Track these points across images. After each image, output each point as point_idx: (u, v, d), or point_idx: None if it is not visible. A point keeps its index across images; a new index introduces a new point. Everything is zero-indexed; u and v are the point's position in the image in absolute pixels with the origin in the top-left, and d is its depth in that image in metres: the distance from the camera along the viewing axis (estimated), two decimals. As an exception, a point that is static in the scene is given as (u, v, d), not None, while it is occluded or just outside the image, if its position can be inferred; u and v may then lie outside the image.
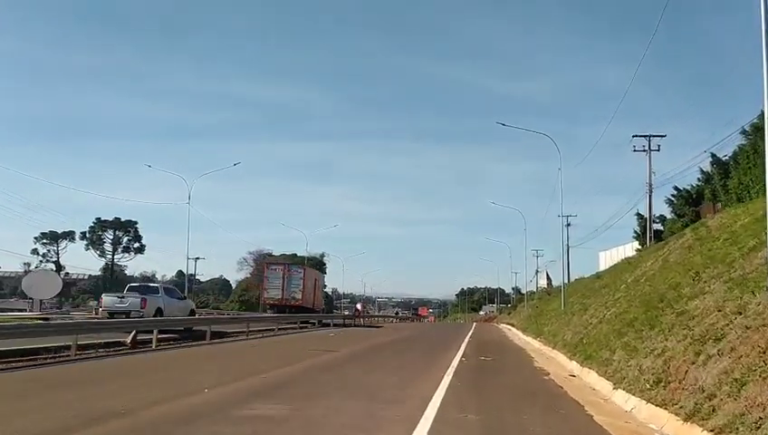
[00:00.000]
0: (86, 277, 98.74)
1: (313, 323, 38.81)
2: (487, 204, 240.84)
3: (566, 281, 61.20)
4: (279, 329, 27.62)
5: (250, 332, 24.04)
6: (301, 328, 32.55)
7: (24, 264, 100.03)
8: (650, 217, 38.72)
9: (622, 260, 31.80)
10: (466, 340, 26.64)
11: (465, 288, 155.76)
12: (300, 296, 40.74)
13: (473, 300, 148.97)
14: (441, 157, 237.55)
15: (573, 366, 16.25)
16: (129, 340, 16.01)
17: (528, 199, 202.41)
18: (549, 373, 14.07)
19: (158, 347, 16.40)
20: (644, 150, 39.49)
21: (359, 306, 42.98)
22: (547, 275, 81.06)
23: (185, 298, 28.90)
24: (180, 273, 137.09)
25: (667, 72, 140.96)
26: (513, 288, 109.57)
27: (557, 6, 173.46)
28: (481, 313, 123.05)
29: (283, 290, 40.52)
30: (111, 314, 23.33)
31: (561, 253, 65.97)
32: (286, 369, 12.58)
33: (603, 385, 12.24)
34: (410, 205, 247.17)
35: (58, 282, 48.06)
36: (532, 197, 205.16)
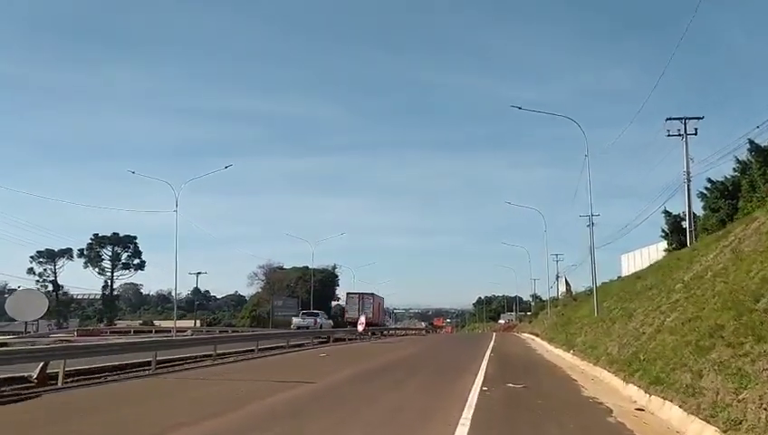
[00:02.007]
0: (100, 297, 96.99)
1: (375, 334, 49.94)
2: (501, 213, 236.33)
3: (594, 284, 57.10)
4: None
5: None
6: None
7: (43, 285, 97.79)
8: (690, 208, 34.29)
9: (667, 256, 27.50)
10: (487, 355, 22.40)
11: (483, 297, 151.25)
12: (371, 316, 57.23)
13: (491, 309, 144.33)
14: (453, 166, 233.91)
15: (633, 392, 12.14)
16: (35, 374, 12.06)
17: (543, 206, 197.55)
18: (610, 409, 9.91)
19: (67, 384, 12.16)
20: (679, 135, 35.06)
21: (362, 319, 38.85)
22: (566, 280, 76.74)
23: (329, 318, 54.57)
24: (196, 290, 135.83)
25: (681, 71, 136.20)
26: (531, 295, 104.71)
27: (564, 11, 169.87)
28: (501, 321, 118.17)
29: (359, 311, 55.78)
30: (299, 328, 42.92)
31: (583, 255, 61.65)
32: (213, 422, 8.17)
33: (699, 429, 8.11)
34: (423, 215, 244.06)
35: (43, 302, 44.34)
36: (547, 203, 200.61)
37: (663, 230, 43.84)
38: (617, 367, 15.04)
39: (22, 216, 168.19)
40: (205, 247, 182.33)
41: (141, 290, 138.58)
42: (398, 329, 75.56)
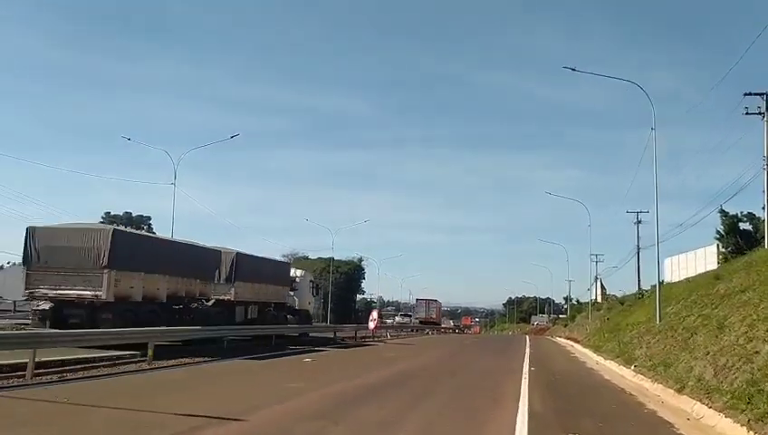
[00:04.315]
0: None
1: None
2: (532, 212, 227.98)
3: (638, 289, 51.43)
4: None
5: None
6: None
7: None
8: (771, 200, 28.57)
9: (758, 251, 22.28)
10: (526, 369, 17.40)
11: (513, 297, 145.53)
12: (434, 316, 78.30)
13: (521, 310, 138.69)
14: (485, 163, 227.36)
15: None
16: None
17: (577, 207, 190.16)
18: None
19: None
20: (759, 114, 29.53)
21: (374, 315, 33.85)
22: (601, 283, 71.12)
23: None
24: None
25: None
26: (565, 298, 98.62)
27: (602, 11, 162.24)
28: (535, 322, 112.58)
29: (426, 313, 76.86)
30: (400, 324, 65.48)
31: (622, 258, 56.03)
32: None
33: None
34: (453, 212, 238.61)
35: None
36: (580, 205, 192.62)
37: (718, 232, 38.91)
38: (724, 402, 10.17)
39: (39, 193, 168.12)
40: (234, 238, 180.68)
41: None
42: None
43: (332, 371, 16.02)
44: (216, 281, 22.79)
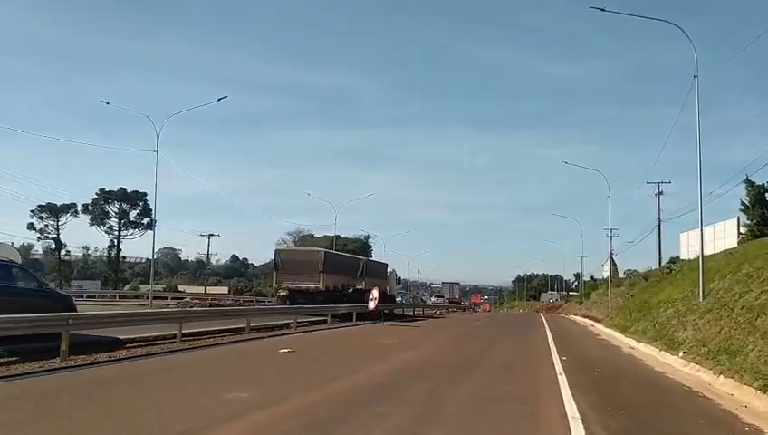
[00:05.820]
0: (143, 261, 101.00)
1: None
2: (539, 190, 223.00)
3: (659, 263, 48.47)
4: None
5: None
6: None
7: (83, 247, 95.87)
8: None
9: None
10: (555, 358, 14.20)
11: (523, 274, 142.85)
12: (457, 297, 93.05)
13: (531, 287, 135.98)
14: (491, 142, 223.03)
15: None
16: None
17: (588, 183, 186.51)
18: None
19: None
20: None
21: (375, 293, 30.89)
22: (612, 260, 68.10)
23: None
24: (234, 257, 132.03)
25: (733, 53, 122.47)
26: (576, 274, 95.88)
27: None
28: (549, 299, 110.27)
29: (450, 294, 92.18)
30: (435, 303, 77.65)
31: (636, 235, 52.93)
32: None
33: None
34: (461, 190, 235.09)
35: (14, 257, 38.56)
36: (593, 180, 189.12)
37: (743, 203, 36.70)
38: None
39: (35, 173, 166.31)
40: (244, 218, 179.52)
41: (180, 255, 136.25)
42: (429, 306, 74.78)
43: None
44: (355, 277, 35.69)
